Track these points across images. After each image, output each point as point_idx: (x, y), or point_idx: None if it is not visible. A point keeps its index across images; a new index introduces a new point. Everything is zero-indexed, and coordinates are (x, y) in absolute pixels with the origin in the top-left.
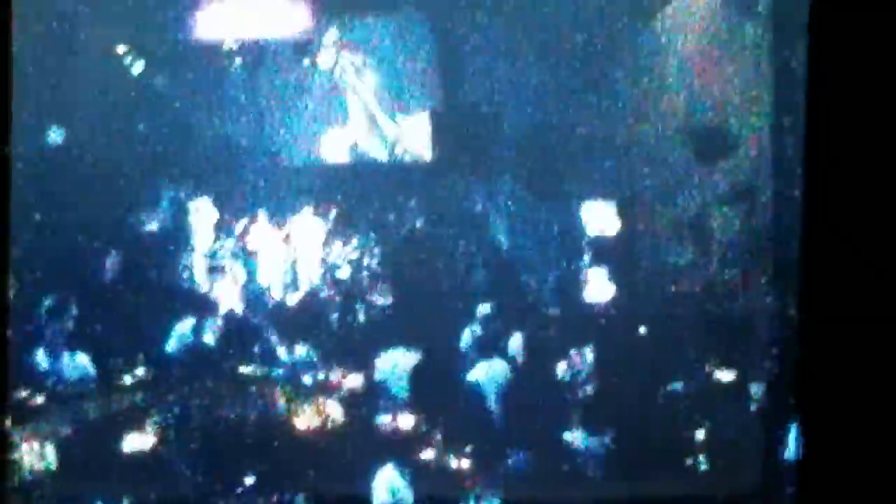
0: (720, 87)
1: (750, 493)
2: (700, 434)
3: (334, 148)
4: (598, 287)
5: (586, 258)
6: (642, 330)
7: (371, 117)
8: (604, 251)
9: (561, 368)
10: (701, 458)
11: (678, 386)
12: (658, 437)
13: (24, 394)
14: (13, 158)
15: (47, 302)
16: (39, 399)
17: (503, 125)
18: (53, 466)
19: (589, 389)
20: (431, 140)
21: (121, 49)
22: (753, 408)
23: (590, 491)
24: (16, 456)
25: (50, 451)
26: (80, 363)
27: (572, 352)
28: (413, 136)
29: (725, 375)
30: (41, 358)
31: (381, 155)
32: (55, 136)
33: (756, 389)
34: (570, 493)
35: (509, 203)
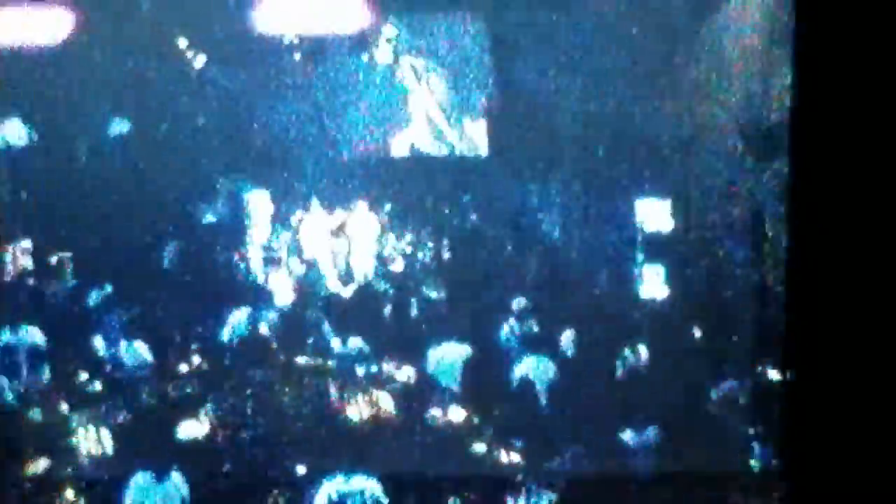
0: (780, 84)
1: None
2: (752, 432)
3: (390, 143)
4: (653, 284)
5: (640, 255)
6: (696, 328)
7: (428, 113)
8: (658, 248)
9: (612, 365)
10: (753, 458)
11: (731, 385)
12: (710, 435)
13: (82, 378)
14: (78, 148)
15: (106, 290)
16: (97, 384)
17: (558, 122)
18: (110, 451)
19: (641, 387)
20: (487, 135)
21: (182, 43)
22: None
23: (640, 488)
24: (73, 440)
25: (106, 435)
26: (137, 351)
27: (625, 349)
28: (468, 132)
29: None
30: (99, 345)
31: (437, 150)
32: (119, 127)
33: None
34: (620, 489)
35: (563, 199)
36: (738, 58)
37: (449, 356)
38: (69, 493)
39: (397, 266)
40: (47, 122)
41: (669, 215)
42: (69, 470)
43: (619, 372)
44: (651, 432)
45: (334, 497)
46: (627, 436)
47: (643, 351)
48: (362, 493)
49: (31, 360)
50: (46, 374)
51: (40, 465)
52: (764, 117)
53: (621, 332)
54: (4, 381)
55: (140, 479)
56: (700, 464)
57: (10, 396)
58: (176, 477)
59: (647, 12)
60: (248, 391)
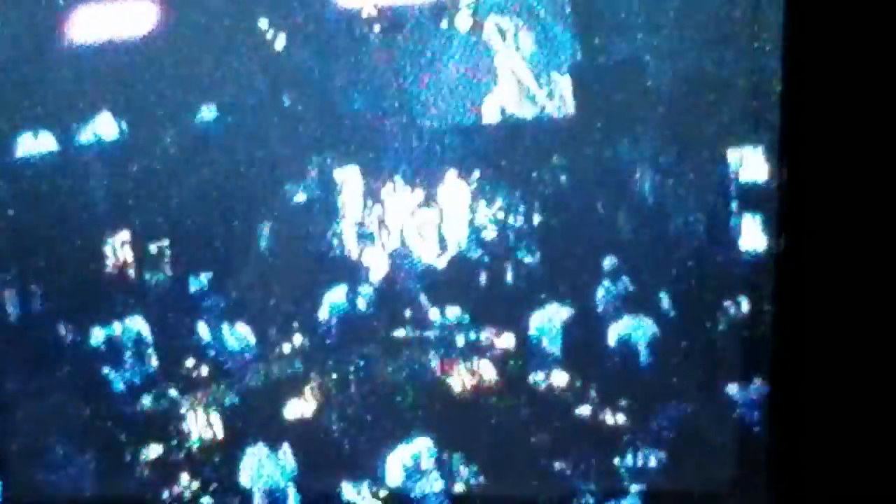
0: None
1: None
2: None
3: (479, 108)
4: (752, 236)
5: (737, 206)
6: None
7: (515, 76)
8: (756, 198)
9: (714, 320)
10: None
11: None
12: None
13: (189, 364)
14: (168, 137)
15: (207, 275)
16: (204, 368)
17: (646, 78)
18: (220, 435)
19: (744, 341)
20: (574, 95)
21: (263, 23)
22: None
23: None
24: (183, 426)
25: (216, 419)
26: (240, 333)
27: (725, 302)
28: (557, 91)
29: None
30: (203, 330)
31: (525, 113)
32: (206, 114)
33: None
34: (729, 445)
35: (655, 154)
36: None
37: (548, 319)
38: (184, 477)
39: (490, 233)
40: (136, 114)
41: (765, 162)
42: (182, 454)
43: (721, 326)
44: (756, 384)
45: (436, 464)
46: (732, 388)
47: (745, 304)
48: (464, 457)
49: (138, 349)
50: (154, 362)
51: (153, 450)
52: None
53: (721, 286)
54: (113, 371)
55: (253, 452)
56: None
57: (120, 386)
58: (287, 450)
59: None
60: (351, 367)
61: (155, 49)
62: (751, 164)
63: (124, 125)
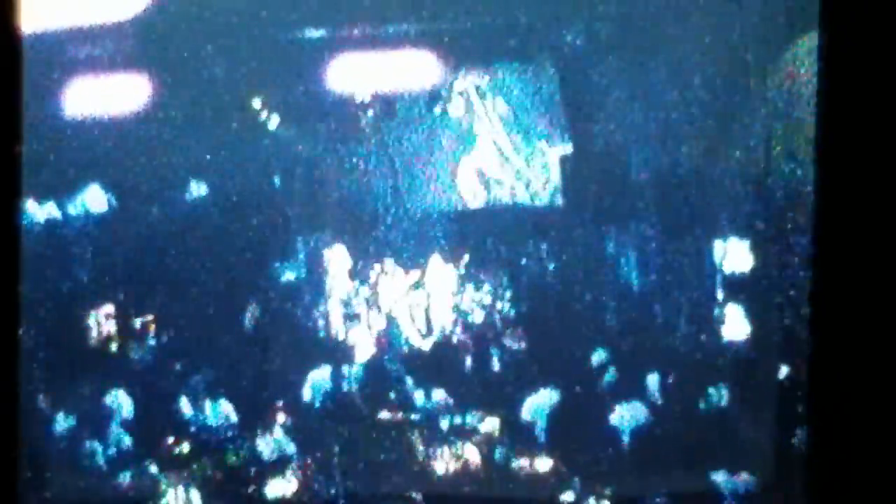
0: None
1: None
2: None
3: (466, 195)
4: (735, 325)
5: (721, 296)
6: (782, 368)
7: (504, 164)
8: (740, 288)
9: (700, 408)
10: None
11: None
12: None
13: (170, 440)
14: (157, 212)
15: (191, 351)
16: (186, 445)
17: (632, 166)
18: None
19: (730, 429)
20: (562, 183)
21: (256, 104)
22: None
23: None
24: (163, 502)
25: (195, 497)
26: (222, 411)
27: (710, 390)
28: (544, 181)
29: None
30: (185, 406)
31: (513, 200)
32: (196, 190)
33: None
34: None
35: (641, 243)
36: (808, 98)
37: (534, 405)
38: None
39: (476, 317)
40: (125, 187)
41: (749, 253)
42: None
43: (706, 413)
44: (744, 476)
45: None
46: (719, 478)
47: (727, 392)
48: None
49: (119, 424)
50: (134, 437)
51: None
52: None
53: (706, 374)
54: (96, 445)
55: None
56: None
57: (100, 461)
58: None
59: (718, 58)
60: (334, 447)
61: (147, 124)
62: (736, 254)
63: (113, 199)
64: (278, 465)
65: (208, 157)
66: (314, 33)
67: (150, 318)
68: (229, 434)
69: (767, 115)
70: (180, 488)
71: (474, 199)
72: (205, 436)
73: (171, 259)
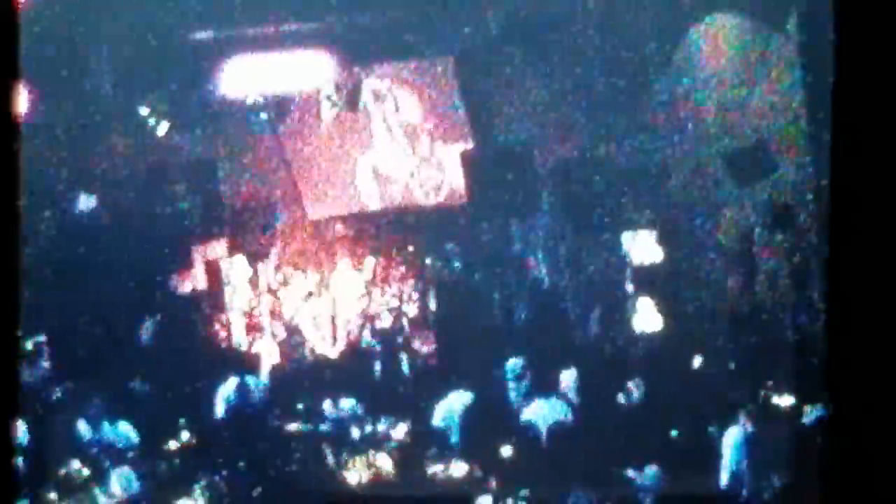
0: (756, 108)
1: None
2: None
3: (366, 197)
4: (646, 317)
5: (631, 288)
6: (695, 357)
7: (403, 164)
8: (649, 280)
9: (613, 403)
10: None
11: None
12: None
13: (70, 465)
14: (45, 227)
15: (85, 371)
16: (84, 470)
17: (535, 162)
18: None
19: (643, 422)
20: (465, 181)
21: (144, 111)
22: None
23: None
24: None
25: None
26: (122, 431)
27: (629, 384)
28: (447, 179)
29: (783, 400)
30: (83, 428)
31: (415, 200)
32: (85, 202)
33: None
34: None
35: (548, 239)
36: (712, 85)
37: (446, 408)
38: None
39: (384, 322)
40: None
41: (656, 244)
42: None
43: (622, 408)
44: (653, 469)
45: None
46: (632, 473)
47: (641, 385)
48: None
49: (16, 450)
50: (30, 462)
51: None
52: (746, 141)
53: (620, 368)
54: None
55: None
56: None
57: None
58: None
59: (622, 50)
60: (241, 462)
61: (29, 136)
62: (644, 246)
63: None
64: (184, 485)
65: (96, 169)
66: (203, 35)
67: (41, 339)
68: (130, 455)
69: (669, 103)
70: None
71: (375, 200)
72: (105, 458)
73: (62, 275)
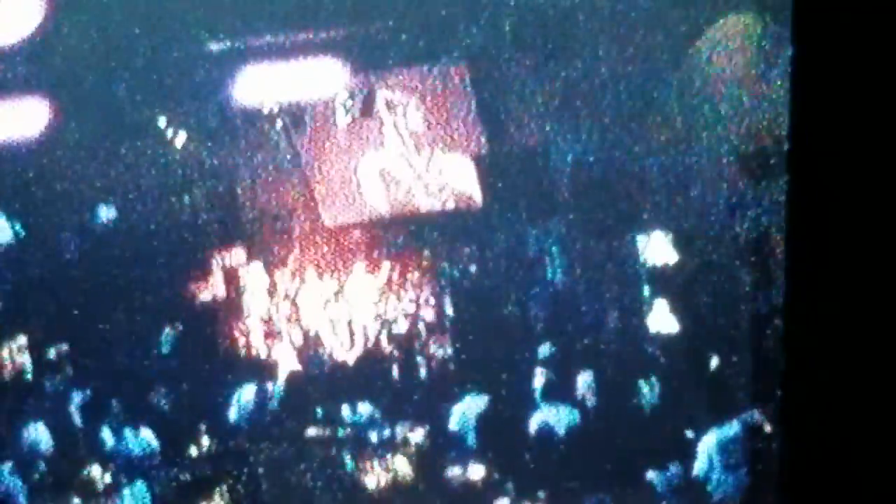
0: (770, 110)
1: None
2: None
3: (380, 203)
4: (662, 319)
5: (647, 291)
6: (712, 358)
7: (416, 168)
8: (664, 282)
9: (630, 404)
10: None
11: (753, 416)
12: (737, 465)
13: (92, 471)
14: (65, 235)
15: (107, 379)
16: (107, 476)
17: (550, 165)
18: None
19: (660, 425)
20: (480, 185)
21: (162, 122)
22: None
23: None
24: None
25: None
26: (143, 438)
27: (645, 385)
28: (461, 184)
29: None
30: (106, 435)
31: (430, 205)
32: (105, 213)
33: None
34: None
35: (563, 242)
36: (727, 88)
37: (463, 412)
38: None
39: (401, 326)
40: (32, 215)
41: (672, 247)
42: None
43: (639, 409)
44: (675, 469)
45: None
46: (652, 475)
47: (657, 387)
48: None
49: (39, 456)
50: (56, 469)
51: None
52: (758, 140)
53: (636, 370)
54: (17, 481)
55: None
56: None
57: (21, 496)
58: None
59: (634, 53)
60: (261, 468)
61: (49, 149)
62: (659, 248)
63: (19, 228)
64: (205, 489)
65: (115, 180)
66: (218, 46)
67: (64, 347)
68: (153, 461)
69: (682, 105)
70: None
71: (389, 206)
72: (127, 464)
73: (84, 285)
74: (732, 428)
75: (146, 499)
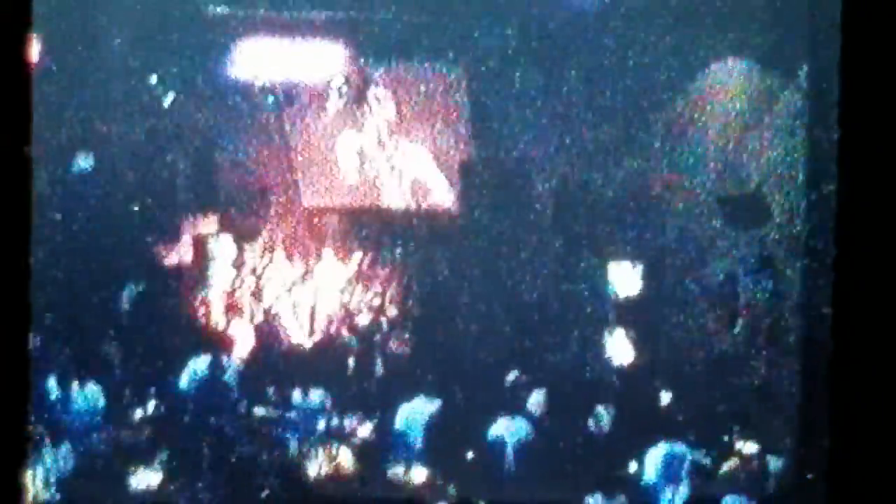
0: (755, 154)
1: None
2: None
3: (361, 192)
4: (621, 349)
5: (611, 318)
6: (664, 393)
7: (401, 165)
8: (628, 313)
9: (580, 428)
10: None
11: (697, 455)
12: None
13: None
14: (42, 180)
15: (58, 326)
16: (45, 430)
17: (534, 179)
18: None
19: (607, 450)
20: (462, 191)
21: (153, 79)
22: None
23: None
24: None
25: (54, 484)
26: (89, 392)
27: (598, 410)
28: (444, 186)
29: (747, 447)
30: (51, 385)
31: (410, 204)
32: (83, 163)
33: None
34: None
35: (536, 258)
36: (715, 127)
37: (414, 412)
38: None
39: (363, 319)
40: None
41: (641, 279)
42: None
43: (590, 432)
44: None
45: None
46: (597, 501)
47: (610, 413)
48: None
49: None
50: None
51: None
52: (742, 186)
53: (591, 394)
54: None
55: None
56: None
57: None
58: None
59: (625, 81)
60: (204, 440)
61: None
62: (628, 279)
63: None
64: (145, 456)
65: (97, 128)
66: (220, 10)
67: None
68: (95, 419)
69: (672, 139)
70: (38, 475)
71: (370, 197)
72: (69, 419)
73: (49, 230)
74: (679, 460)
75: (85, 456)
